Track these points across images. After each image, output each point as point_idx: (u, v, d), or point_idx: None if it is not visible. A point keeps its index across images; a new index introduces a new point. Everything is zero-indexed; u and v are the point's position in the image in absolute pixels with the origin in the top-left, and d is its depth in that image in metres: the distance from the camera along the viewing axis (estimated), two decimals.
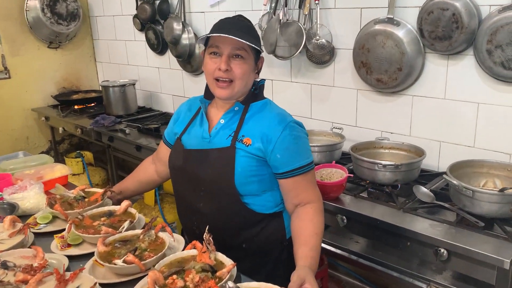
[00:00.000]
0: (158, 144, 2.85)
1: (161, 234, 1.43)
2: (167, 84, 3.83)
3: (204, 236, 1.31)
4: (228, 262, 1.26)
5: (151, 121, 3.46)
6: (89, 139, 3.58)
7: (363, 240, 2.02)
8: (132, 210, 1.60)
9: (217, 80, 1.46)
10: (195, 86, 3.54)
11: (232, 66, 1.44)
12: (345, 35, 2.48)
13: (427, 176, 2.14)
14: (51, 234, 1.57)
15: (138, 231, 1.44)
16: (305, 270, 1.27)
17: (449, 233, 1.64)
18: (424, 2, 2.08)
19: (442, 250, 1.62)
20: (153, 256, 1.29)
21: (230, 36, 1.39)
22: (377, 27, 2.26)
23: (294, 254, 1.38)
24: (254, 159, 1.44)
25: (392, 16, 2.21)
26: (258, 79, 1.57)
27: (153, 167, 1.84)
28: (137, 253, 1.32)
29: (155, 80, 3.92)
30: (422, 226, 1.71)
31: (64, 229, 1.56)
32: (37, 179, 1.93)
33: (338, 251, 2.02)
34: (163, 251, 1.32)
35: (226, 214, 1.48)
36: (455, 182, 1.70)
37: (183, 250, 1.39)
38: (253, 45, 1.44)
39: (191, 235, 1.58)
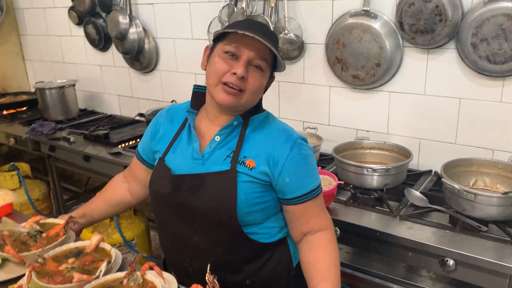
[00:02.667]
0: (111, 154, 2.59)
1: (148, 275, 1.18)
2: (111, 84, 3.47)
3: (206, 278, 1.09)
4: None
5: (96, 126, 3.10)
6: (24, 149, 3.15)
7: (353, 250, 1.89)
8: (106, 246, 1.33)
9: (225, 84, 1.20)
10: (145, 85, 3.23)
11: (249, 75, 1.19)
12: (316, 29, 2.32)
13: (411, 177, 2.04)
14: (3, 284, 1.26)
15: (119, 274, 1.18)
16: None
17: (455, 241, 1.55)
18: None
19: (449, 260, 1.51)
20: None
21: (261, 39, 1.14)
22: (353, 20, 2.12)
23: None
24: (258, 185, 1.22)
25: (368, 9, 2.08)
26: None
27: (125, 186, 1.57)
28: None
29: (97, 80, 3.54)
30: (425, 235, 1.59)
31: (20, 276, 1.27)
32: None
33: None
34: None
35: (227, 248, 1.26)
36: (456, 186, 1.60)
37: None
38: (280, 60, 1.22)
39: (181, 273, 1.34)
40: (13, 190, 3.14)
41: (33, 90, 3.99)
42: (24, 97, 3.82)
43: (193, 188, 1.23)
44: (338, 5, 2.21)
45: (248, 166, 1.22)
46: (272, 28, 2.33)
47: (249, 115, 1.30)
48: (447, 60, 1.98)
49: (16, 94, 3.93)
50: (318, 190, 1.27)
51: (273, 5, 2.35)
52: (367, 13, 2.08)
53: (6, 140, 3.18)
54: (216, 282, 1.08)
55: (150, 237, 2.88)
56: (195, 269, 1.29)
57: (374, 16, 2.06)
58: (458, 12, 1.86)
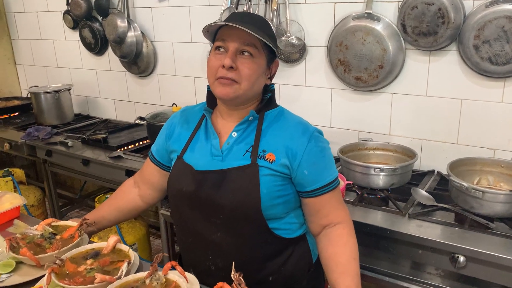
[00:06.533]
0: (111, 158, 2.57)
1: (171, 274, 1.17)
2: (107, 88, 3.45)
3: (232, 275, 1.08)
4: None
5: (93, 131, 3.08)
6: (20, 154, 3.10)
7: (362, 250, 1.90)
8: (123, 247, 1.32)
9: (219, 78, 1.23)
10: (142, 89, 3.22)
11: (239, 64, 1.21)
12: (317, 31, 2.34)
13: (415, 177, 2.07)
14: (20, 287, 1.24)
15: (141, 275, 1.17)
16: None
17: (464, 238, 1.57)
18: None
19: (460, 256, 1.54)
20: None
21: (237, 26, 1.16)
22: (356, 22, 2.15)
23: (332, 285, 1.20)
24: (279, 178, 1.23)
25: (371, 11, 2.11)
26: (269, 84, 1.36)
27: (135, 191, 1.55)
28: None
29: (92, 84, 3.51)
30: (435, 232, 1.62)
31: (37, 279, 1.25)
32: None
33: None
34: None
35: (251, 244, 1.26)
36: (464, 184, 1.63)
37: None
38: (265, 41, 1.21)
39: (202, 271, 1.33)
40: None
41: (25, 94, 3.94)
42: (16, 102, 3.76)
43: (216, 184, 1.24)
44: (340, 8, 2.24)
45: (268, 159, 1.23)
46: (274, 31, 2.34)
47: (264, 110, 1.31)
48: (449, 61, 2.02)
49: (7, 99, 3.87)
50: (336, 182, 1.28)
51: (275, 8, 2.37)
52: (370, 16, 2.11)
53: (0, 145, 3.12)
54: (242, 279, 1.08)
55: (150, 242, 2.85)
56: (218, 267, 1.28)
57: (377, 19, 2.10)
58: (460, 14, 1.90)
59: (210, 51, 1.32)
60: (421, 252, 1.64)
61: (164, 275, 1.17)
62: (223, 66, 1.21)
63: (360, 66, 2.18)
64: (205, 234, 1.28)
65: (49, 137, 2.96)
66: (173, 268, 1.19)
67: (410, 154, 2.04)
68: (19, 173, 3.30)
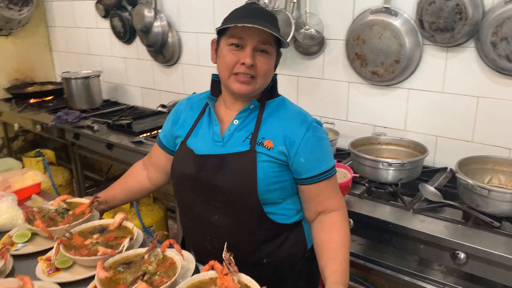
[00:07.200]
0: (133, 143, 2.68)
1: (168, 252, 1.24)
2: (134, 76, 3.56)
3: (223, 255, 1.14)
4: (255, 285, 1.10)
5: (119, 116, 3.20)
6: (50, 136, 3.27)
7: (367, 243, 1.93)
8: (128, 224, 1.40)
9: (236, 74, 1.27)
10: (167, 78, 3.31)
11: (257, 61, 1.26)
12: (336, 25, 2.35)
13: (426, 173, 2.07)
14: (32, 256, 1.34)
15: (141, 250, 1.25)
16: (337, 287, 1.15)
17: (466, 235, 1.57)
18: None
19: (461, 253, 1.54)
20: (166, 282, 1.11)
21: (261, 27, 1.20)
22: (374, 17, 2.15)
23: (321, 269, 1.25)
24: (276, 164, 1.28)
25: (389, 6, 2.10)
26: None
27: (144, 173, 1.64)
28: (145, 278, 1.13)
29: (121, 71, 3.64)
30: (437, 228, 1.62)
31: (48, 249, 1.35)
32: (5, 189, 1.67)
33: None
34: (177, 275, 1.14)
35: (247, 227, 1.32)
36: (470, 181, 1.63)
37: (194, 269, 1.23)
38: (284, 40, 1.27)
39: (201, 251, 1.40)
40: None
41: (59, 80, 4.13)
42: (51, 87, 3.95)
43: (215, 167, 1.30)
44: (359, 1, 2.24)
45: (266, 146, 1.28)
46: (293, 24, 2.37)
47: (265, 100, 1.35)
48: (466, 58, 2.00)
49: (43, 83, 4.07)
50: (332, 171, 1.32)
51: (295, 0, 2.39)
52: (387, 10, 2.10)
53: (33, 127, 3.29)
54: (232, 259, 1.14)
55: (168, 226, 2.96)
56: (215, 248, 1.35)
57: (395, 14, 2.09)
58: (479, 10, 1.87)
59: (214, 42, 1.36)
60: (422, 247, 1.65)
61: (162, 251, 1.24)
62: (243, 64, 1.25)
63: (376, 60, 2.18)
64: (205, 216, 1.35)
65: (77, 121, 3.10)
66: (171, 246, 1.26)
67: (422, 150, 2.03)
68: (49, 154, 3.47)
